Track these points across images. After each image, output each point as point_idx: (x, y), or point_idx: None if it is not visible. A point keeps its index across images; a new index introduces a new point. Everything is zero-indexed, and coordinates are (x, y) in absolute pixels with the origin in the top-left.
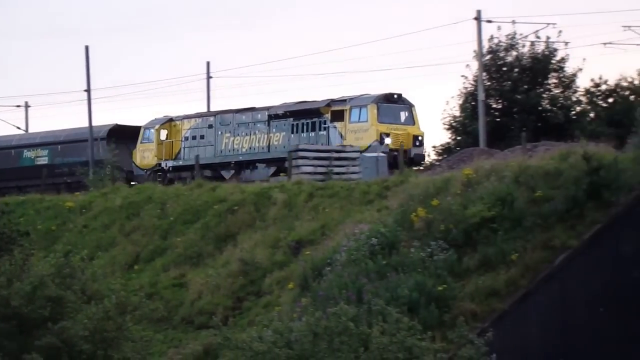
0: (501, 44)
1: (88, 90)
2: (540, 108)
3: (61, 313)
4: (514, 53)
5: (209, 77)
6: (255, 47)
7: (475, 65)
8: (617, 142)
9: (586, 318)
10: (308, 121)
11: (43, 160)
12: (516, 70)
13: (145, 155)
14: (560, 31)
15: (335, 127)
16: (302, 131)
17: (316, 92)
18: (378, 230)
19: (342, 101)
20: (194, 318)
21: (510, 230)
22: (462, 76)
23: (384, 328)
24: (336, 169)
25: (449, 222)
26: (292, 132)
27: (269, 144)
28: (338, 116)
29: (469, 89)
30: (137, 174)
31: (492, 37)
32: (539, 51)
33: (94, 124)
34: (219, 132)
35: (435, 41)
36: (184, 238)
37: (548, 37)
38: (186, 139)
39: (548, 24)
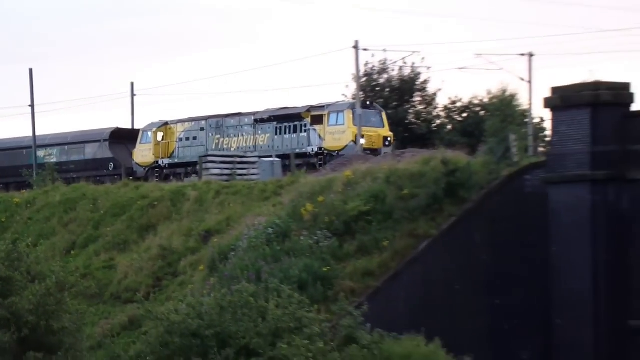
0: (375, 68)
1: (32, 106)
2: (407, 121)
3: (10, 290)
4: (386, 76)
5: (133, 95)
6: (174, 71)
7: (353, 85)
8: (470, 149)
9: (444, 294)
10: (290, 124)
11: (52, 159)
12: (387, 90)
13: (144, 154)
14: (423, 58)
15: (315, 130)
16: (285, 133)
17: (221, 108)
18: (273, 221)
19: (321, 107)
20: (121, 294)
21: (382, 221)
22: (343, 95)
23: (279, 302)
24: (239, 171)
25: (332, 215)
26: (276, 134)
27: (255, 144)
28: (317, 120)
29: None
30: (137, 170)
31: (367, 63)
32: (406, 74)
33: (94, 127)
34: (210, 134)
35: (323, 65)
36: (113, 228)
37: (413, 63)
38: (180, 140)
39: (414, 51)
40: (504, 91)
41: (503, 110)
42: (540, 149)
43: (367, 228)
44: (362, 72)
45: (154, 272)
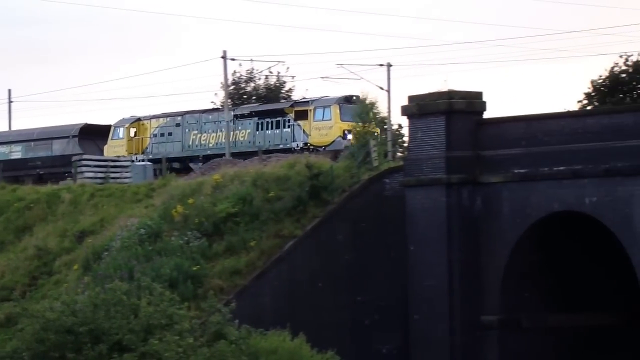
0: (242, 77)
1: None
2: None
3: None
4: (252, 84)
5: (10, 102)
6: (51, 78)
7: (222, 93)
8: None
9: (308, 291)
10: (272, 120)
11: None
12: (254, 97)
13: (116, 150)
14: (288, 67)
15: (299, 125)
16: (267, 129)
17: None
18: (145, 222)
19: (305, 102)
20: None
21: (249, 222)
22: (212, 102)
23: (150, 300)
24: (112, 174)
25: (202, 216)
26: (257, 130)
27: (235, 140)
28: (301, 115)
29: None
30: None
31: (235, 72)
32: (272, 83)
33: (62, 123)
34: (186, 130)
35: (190, 74)
36: None
37: (279, 72)
38: (154, 135)
39: (279, 61)
40: (365, 99)
41: (364, 118)
42: (399, 154)
43: (235, 229)
44: (230, 81)
45: (29, 271)
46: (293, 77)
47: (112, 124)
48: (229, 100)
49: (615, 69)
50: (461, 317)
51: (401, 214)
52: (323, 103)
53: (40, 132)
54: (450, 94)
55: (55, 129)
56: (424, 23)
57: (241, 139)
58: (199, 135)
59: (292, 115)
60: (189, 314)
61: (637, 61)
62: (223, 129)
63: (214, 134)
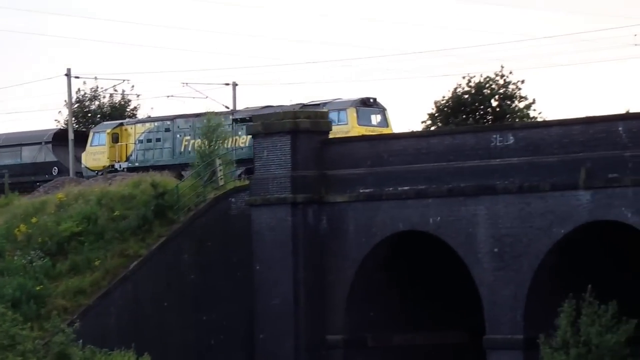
0: (87, 95)
1: None
2: None
3: None
4: (97, 102)
5: None
6: None
7: (66, 111)
8: (177, 173)
9: (153, 310)
10: None
11: None
12: (99, 115)
13: (95, 157)
14: (133, 86)
15: None
16: None
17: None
18: None
19: (316, 105)
20: None
21: (94, 242)
22: (56, 120)
23: None
24: None
25: (45, 235)
26: None
27: (235, 145)
28: None
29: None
30: (87, 175)
31: (79, 90)
32: (117, 101)
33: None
34: (177, 135)
35: (31, 91)
36: None
37: (124, 90)
38: (140, 141)
39: (124, 80)
40: (210, 118)
41: (209, 137)
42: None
43: (79, 248)
44: (74, 99)
45: None
46: (138, 95)
47: (91, 129)
48: (74, 119)
49: (458, 90)
50: (306, 337)
51: (247, 233)
52: (338, 106)
53: (6, 138)
54: (296, 114)
55: (24, 134)
56: (270, 42)
57: (242, 144)
58: (192, 141)
59: None
60: (32, 335)
61: (480, 82)
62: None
63: None
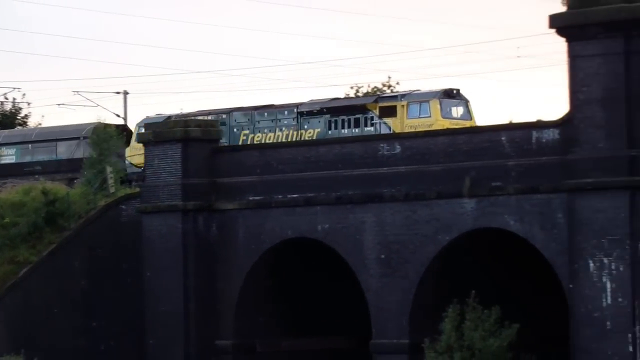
0: None
1: None
2: None
3: None
4: None
5: None
6: None
7: None
8: (69, 181)
9: (44, 317)
10: (350, 117)
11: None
12: None
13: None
14: (24, 94)
15: (385, 123)
16: (343, 127)
17: None
18: None
19: (393, 97)
20: None
21: None
22: None
23: None
24: None
25: None
26: (330, 128)
27: (301, 139)
28: (388, 112)
29: None
30: (132, 171)
31: None
32: (7, 109)
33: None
34: (235, 129)
35: None
36: None
37: (14, 98)
38: None
39: (14, 88)
40: (101, 126)
41: (100, 145)
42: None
43: None
44: None
45: None
46: (29, 103)
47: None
48: None
49: None
50: (196, 342)
51: (138, 240)
52: (419, 98)
53: (39, 133)
54: (186, 122)
55: (60, 129)
56: (160, 52)
57: (309, 138)
58: (251, 136)
59: (376, 112)
60: None
61: (368, 92)
62: (284, 128)
63: (271, 134)
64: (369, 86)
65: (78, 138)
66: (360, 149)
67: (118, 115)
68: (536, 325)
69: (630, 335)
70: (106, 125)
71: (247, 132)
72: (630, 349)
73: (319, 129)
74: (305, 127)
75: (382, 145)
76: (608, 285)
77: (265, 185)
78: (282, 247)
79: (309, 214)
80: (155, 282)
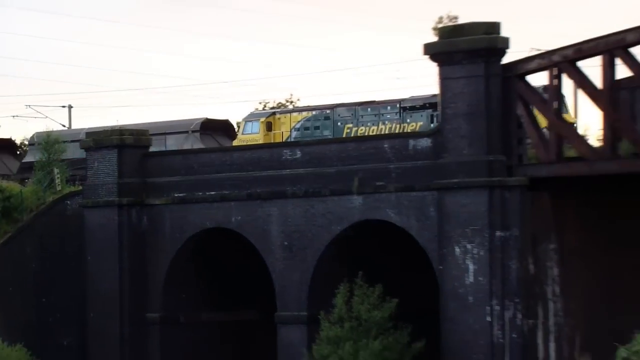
0: None
1: None
2: None
3: None
4: None
5: None
6: None
7: None
8: (22, 180)
9: (0, 295)
10: None
11: None
12: None
13: None
14: None
15: None
16: None
17: None
18: None
19: None
20: None
21: None
22: None
23: None
24: None
25: None
26: (432, 121)
27: (403, 132)
28: None
29: None
30: None
31: None
32: None
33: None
34: (339, 123)
35: None
36: None
37: None
38: (297, 129)
39: None
40: (48, 135)
41: (49, 150)
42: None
43: None
44: None
45: None
46: None
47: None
48: None
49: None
50: (129, 315)
51: (81, 230)
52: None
53: (150, 127)
54: (122, 131)
55: (169, 124)
56: (99, 72)
57: (411, 131)
58: (354, 129)
59: None
60: None
61: (273, 106)
62: (387, 122)
63: (374, 127)
64: (274, 102)
65: (186, 132)
66: (267, 154)
67: (64, 125)
68: (412, 299)
69: (488, 307)
70: (209, 121)
71: (350, 125)
72: (488, 319)
73: (421, 122)
74: (408, 120)
75: (285, 151)
76: (470, 266)
77: (187, 184)
78: (202, 236)
79: (224, 208)
80: (95, 265)
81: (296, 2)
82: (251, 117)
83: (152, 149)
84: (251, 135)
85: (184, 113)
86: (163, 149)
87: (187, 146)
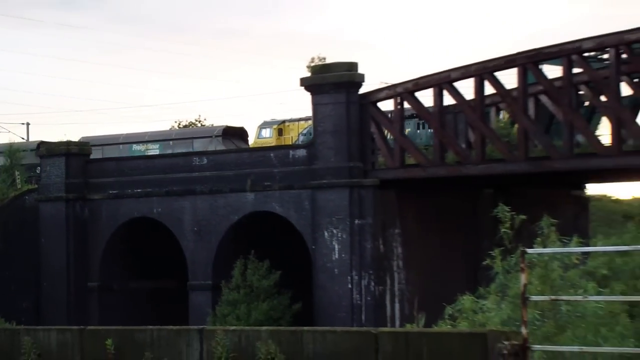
0: None
1: None
2: None
3: None
4: None
5: None
6: None
7: None
8: None
9: None
10: None
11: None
12: None
13: None
14: None
15: None
16: None
17: None
18: None
19: None
20: None
21: None
22: None
23: None
24: None
25: None
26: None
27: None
28: None
29: None
30: None
31: None
32: None
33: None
34: None
35: None
36: None
37: None
38: (304, 134)
39: None
40: (11, 145)
41: (11, 157)
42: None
43: None
44: None
45: None
46: None
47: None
48: None
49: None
50: (74, 284)
51: (36, 219)
52: None
53: (179, 133)
54: (69, 143)
55: (194, 130)
56: (51, 96)
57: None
58: None
59: None
60: None
61: (186, 125)
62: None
63: None
64: (186, 121)
65: (210, 136)
66: (181, 161)
67: (23, 138)
68: (292, 271)
69: (349, 277)
70: (229, 128)
71: None
72: (349, 286)
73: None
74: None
75: (195, 158)
76: (336, 246)
77: (120, 184)
78: (131, 223)
79: (148, 202)
80: (47, 246)
81: (207, 46)
82: (265, 125)
83: (179, 150)
84: (265, 139)
85: (114, 129)
86: (191, 150)
87: (211, 148)
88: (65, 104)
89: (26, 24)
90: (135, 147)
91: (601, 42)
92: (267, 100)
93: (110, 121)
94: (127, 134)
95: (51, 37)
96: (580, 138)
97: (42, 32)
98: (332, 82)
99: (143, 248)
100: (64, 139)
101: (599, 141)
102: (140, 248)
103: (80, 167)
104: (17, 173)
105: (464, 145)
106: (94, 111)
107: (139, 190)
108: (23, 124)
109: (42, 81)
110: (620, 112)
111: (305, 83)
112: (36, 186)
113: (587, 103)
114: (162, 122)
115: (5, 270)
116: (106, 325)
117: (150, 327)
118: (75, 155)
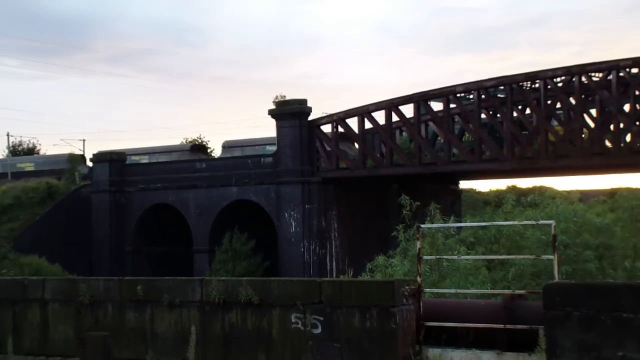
0: None
1: None
2: None
3: None
4: None
5: None
6: None
7: None
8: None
9: (56, 248)
10: None
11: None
12: None
13: None
14: None
15: None
16: None
17: None
18: None
19: None
20: None
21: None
22: None
23: None
24: None
25: None
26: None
27: None
28: None
29: None
30: None
31: None
32: None
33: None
34: None
35: None
36: None
37: None
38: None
39: None
40: (71, 154)
41: (72, 162)
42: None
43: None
44: None
45: None
46: None
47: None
48: None
49: None
50: (115, 249)
51: (89, 205)
52: None
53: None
54: (111, 152)
55: (173, 145)
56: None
57: None
58: None
59: None
60: None
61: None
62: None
63: None
64: (191, 138)
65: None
66: (187, 165)
67: (80, 150)
68: (263, 240)
69: (302, 244)
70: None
71: None
72: (302, 250)
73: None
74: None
75: (197, 163)
76: (293, 223)
77: (145, 180)
78: (154, 208)
79: (165, 193)
80: (97, 222)
81: (204, 87)
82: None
83: (162, 159)
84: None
85: (105, 146)
86: (169, 159)
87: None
88: (108, 127)
89: (84, 73)
90: (133, 157)
91: (467, 87)
92: (245, 125)
93: (140, 138)
94: (129, 149)
95: (101, 81)
96: (455, 150)
97: (94, 79)
98: (289, 112)
99: (162, 224)
100: (108, 150)
101: (467, 152)
102: (160, 224)
103: (119, 169)
104: (76, 173)
105: (378, 155)
106: (123, 132)
107: (158, 185)
108: (80, 140)
109: (93, 111)
110: (480, 133)
111: (271, 112)
112: (89, 182)
113: (458, 127)
114: (172, 139)
115: (68, 239)
116: (137, 277)
117: (167, 277)
118: (115, 161)
